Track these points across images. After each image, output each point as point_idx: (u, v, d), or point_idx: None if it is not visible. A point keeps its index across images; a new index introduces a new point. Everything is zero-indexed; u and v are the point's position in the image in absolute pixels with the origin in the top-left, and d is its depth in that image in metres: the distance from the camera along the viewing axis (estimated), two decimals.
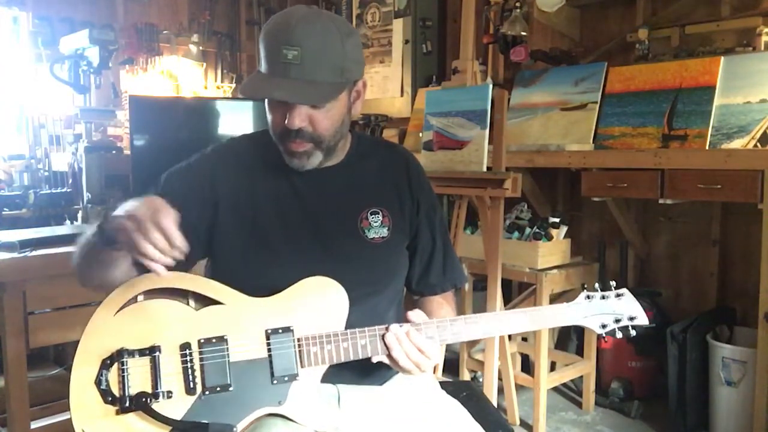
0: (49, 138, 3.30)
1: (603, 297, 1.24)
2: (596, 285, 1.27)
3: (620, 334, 1.24)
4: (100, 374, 1.06)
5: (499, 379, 2.56)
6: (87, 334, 1.09)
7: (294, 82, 1.13)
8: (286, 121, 1.16)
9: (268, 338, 1.11)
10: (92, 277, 1.16)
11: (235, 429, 1.06)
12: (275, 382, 1.10)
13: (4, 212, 2.69)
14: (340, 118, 1.21)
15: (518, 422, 2.64)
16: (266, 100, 1.20)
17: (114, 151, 2.69)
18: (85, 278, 1.19)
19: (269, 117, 1.22)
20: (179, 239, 1.00)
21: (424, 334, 1.14)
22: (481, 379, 2.70)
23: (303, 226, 1.25)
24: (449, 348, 2.87)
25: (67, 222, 2.72)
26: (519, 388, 2.65)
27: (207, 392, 1.07)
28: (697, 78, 2.45)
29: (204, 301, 1.14)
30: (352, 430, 1.19)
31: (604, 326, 1.23)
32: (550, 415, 2.71)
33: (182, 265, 1.14)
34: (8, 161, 3.26)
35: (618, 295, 1.25)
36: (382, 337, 1.13)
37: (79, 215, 2.60)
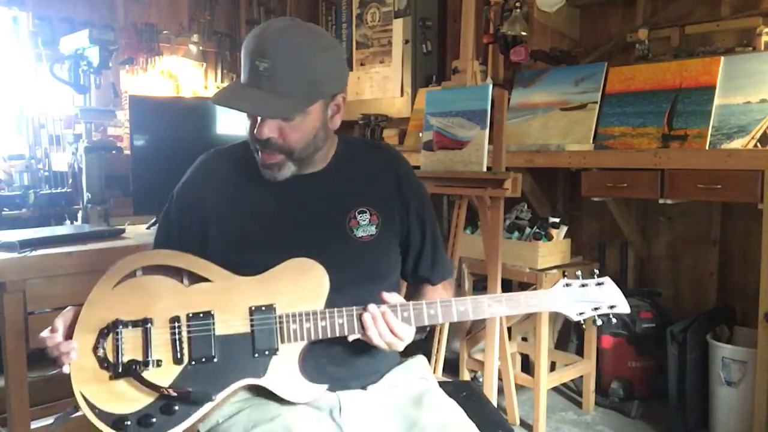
0: (49, 138, 3.30)
1: (583, 285, 1.24)
2: (577, 273, 1.27)
3: (600, 321, 1.25)
4: (97, 342, 1.15)
5: (499, 379, 2.56)
6: (88, 304, 1.18)
7: (263, 94, 1.15)
8: (255, 131, 1.20)
9: (251, 314, 1.18)
10: None
11: (213, 398, 1.13)
12: (256, 355, 1.16)
13: (4, 212, 2.70)
14: (312, 131, 1.23)
15: (518, 422, 2.64)
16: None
17: (114, 151, 2.69)
18: None
19: (246, 127, 1.25)
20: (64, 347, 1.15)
21: (400, 316, 1.18)
22: (481, 379, 2.70)
23: (292, 229, 1.27)
24: (449, 348, 2.87)
25: (67, 222, 2.72)
26: (519, 388, 2.65)
27: (193, 362, 1.16)
28: (697, 78, 2.45)
29: (196, 278, 1.21)
30: None
31: (581, 313, 1.23)
32: (550, 415, 2.71)
33: None
34: (8, 161, 3.26)
35: (598, 284, 1.25)
36: (359, 316, 1.17)
37: (79, 215, 2.60)
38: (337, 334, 1.17)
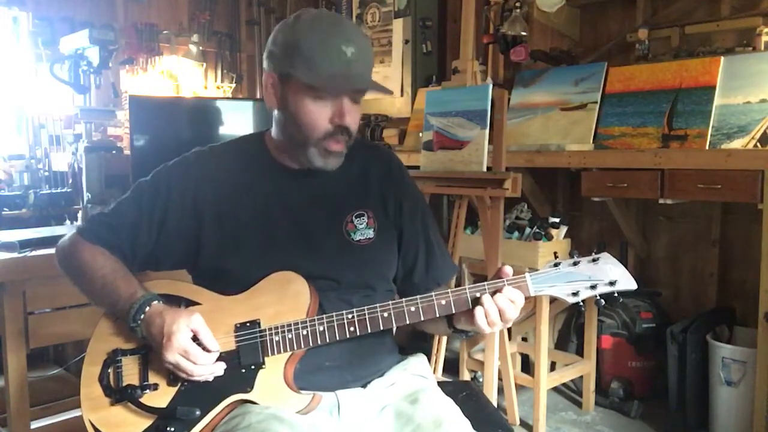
0: (49, 138, 3.30)
1: (574, 263, 1.13)
2: (571, 252, 1.16)
3: (602, 300, 1.13)
4: (102, 371, 1.21)
5: (499, 379, 2.56)
6: (94, 337, 1.25)
7: (361, 74, 1.18)
8: (337, 119, 1.19)
9: (236, 331, 1.20)
10: (84, 293, 1.28)
11: (197, 413, 1.16)
12: (243, 371, 1.18)
13: (4, 212, 2.70)
14: None
15: (518, 422, 2.64)
16: (304, 100, 1.18)
17: (114, 151, 2.68)
18: (73, 282, 1.30)
19: (309, 117, 1.20)
20: (215, 362, 1.16)
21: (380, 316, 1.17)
22: (481, 379, 2.70)
23: (290, 232, 1.26)
24: (449, 348, 2.87)
25: (67, 222, 2.72)
26: (519, 388, 2.65)
27: (186, 383, 1.19)
28: (697, 78, 2.45)
29: (189, 304, 1.24)
30: None
31: (575, 293, 1.11)
32: (550, 415, 2.71)
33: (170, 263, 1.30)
34: (8, 161, 3.26)
35: (593, 260, 1.12)
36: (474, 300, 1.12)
37: (79, 215, 2.60)
38: (319, 342, 1.17)
